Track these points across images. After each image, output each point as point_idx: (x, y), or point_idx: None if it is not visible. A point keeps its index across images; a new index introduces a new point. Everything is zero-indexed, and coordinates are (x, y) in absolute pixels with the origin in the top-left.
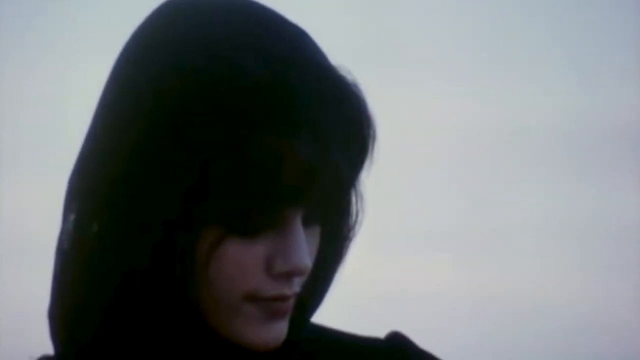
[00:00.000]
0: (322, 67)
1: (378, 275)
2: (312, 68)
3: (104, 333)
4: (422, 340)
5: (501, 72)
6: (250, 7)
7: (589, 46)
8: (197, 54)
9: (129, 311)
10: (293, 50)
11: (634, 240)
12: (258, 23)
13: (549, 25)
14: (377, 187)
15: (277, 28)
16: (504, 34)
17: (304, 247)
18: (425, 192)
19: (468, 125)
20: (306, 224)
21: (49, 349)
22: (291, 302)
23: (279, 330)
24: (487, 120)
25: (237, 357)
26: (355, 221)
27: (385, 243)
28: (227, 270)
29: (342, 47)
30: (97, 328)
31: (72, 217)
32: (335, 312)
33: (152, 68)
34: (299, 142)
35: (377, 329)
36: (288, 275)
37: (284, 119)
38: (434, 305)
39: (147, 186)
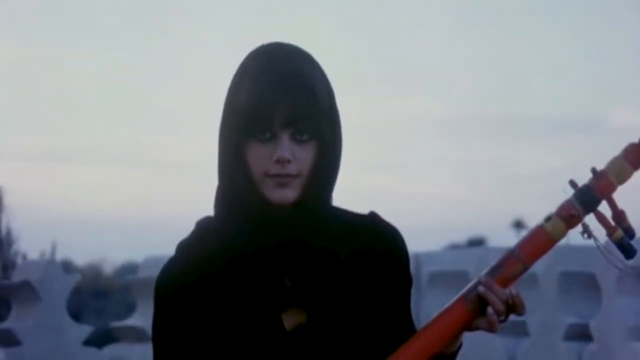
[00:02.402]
0: (289, 65)
1: None
2: (283, 67)
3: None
4: None
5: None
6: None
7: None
8: (239, 75)
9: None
10: (283, 60)
11: None
12: (274, 56)
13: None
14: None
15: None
16: None
17: (285, 148)
18: None
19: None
20: (299, 140)
21: None
22: (290, 179)
23: (285, 193)
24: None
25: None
26: (333, 141)
27: None
28: (254, 159)
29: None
30: (221, 201)
31: None
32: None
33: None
34: (276, 99)
35: None
36: (279, 161)
37: (271, 95)
38: None
39: (224, 132)
